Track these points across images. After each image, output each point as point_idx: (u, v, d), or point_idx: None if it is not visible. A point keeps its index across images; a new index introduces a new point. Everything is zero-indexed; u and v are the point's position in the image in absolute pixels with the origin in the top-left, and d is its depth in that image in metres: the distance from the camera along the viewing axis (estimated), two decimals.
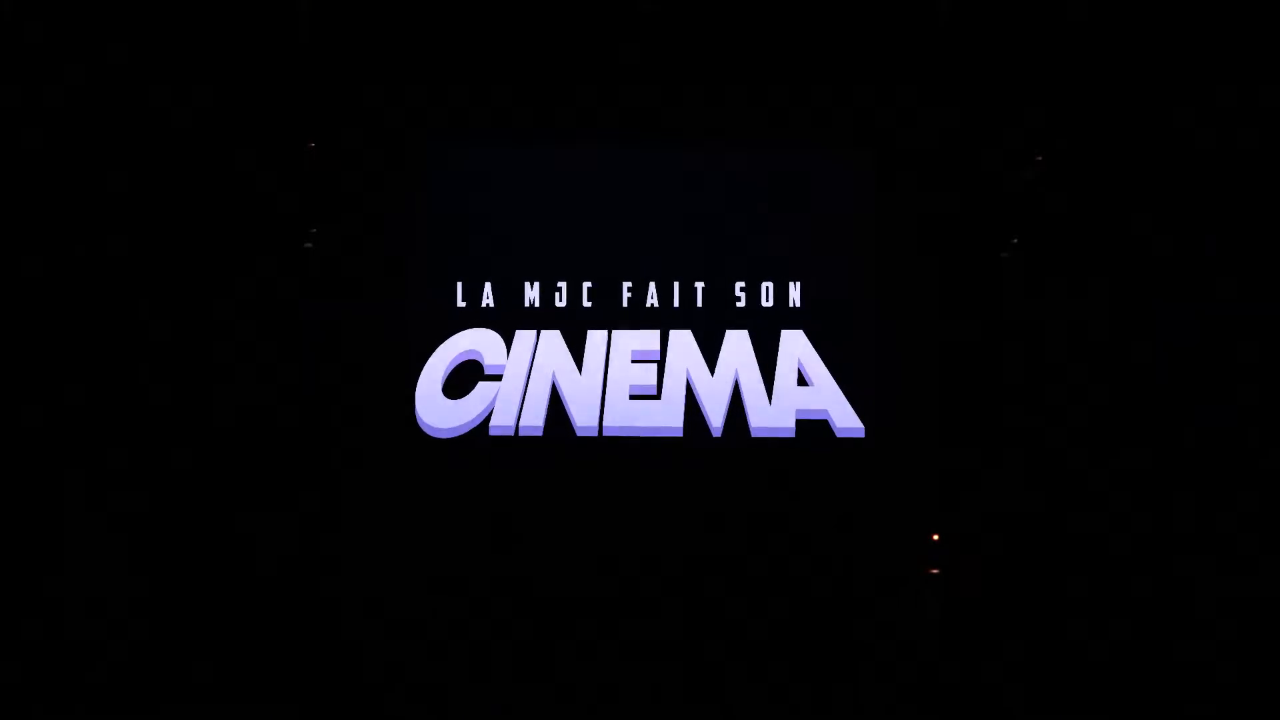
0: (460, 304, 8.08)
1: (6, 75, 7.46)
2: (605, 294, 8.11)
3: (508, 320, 8.07)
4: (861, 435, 7.99)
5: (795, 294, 8.09)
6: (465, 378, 8.05)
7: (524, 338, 8.07)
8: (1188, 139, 7.56)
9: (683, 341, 8.09)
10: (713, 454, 7.99)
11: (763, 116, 7.89)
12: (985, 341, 7.79)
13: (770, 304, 8.10)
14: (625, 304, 8.10)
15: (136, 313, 7.60)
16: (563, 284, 8.09)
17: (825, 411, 8.04)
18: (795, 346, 8.08)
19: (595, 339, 8.06)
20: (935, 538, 7.69)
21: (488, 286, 8.10)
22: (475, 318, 8.09)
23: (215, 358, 7.62)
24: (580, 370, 8.05)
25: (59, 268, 7.53)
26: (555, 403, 8.04)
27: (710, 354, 8.06)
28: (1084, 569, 7.51)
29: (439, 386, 8.03)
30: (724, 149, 7.96)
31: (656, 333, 8.06)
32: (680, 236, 8.09)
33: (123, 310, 7.61)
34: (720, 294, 8.10)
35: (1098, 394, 7.57)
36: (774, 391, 8.03)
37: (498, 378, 8.04)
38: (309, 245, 7.75)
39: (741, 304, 8.10)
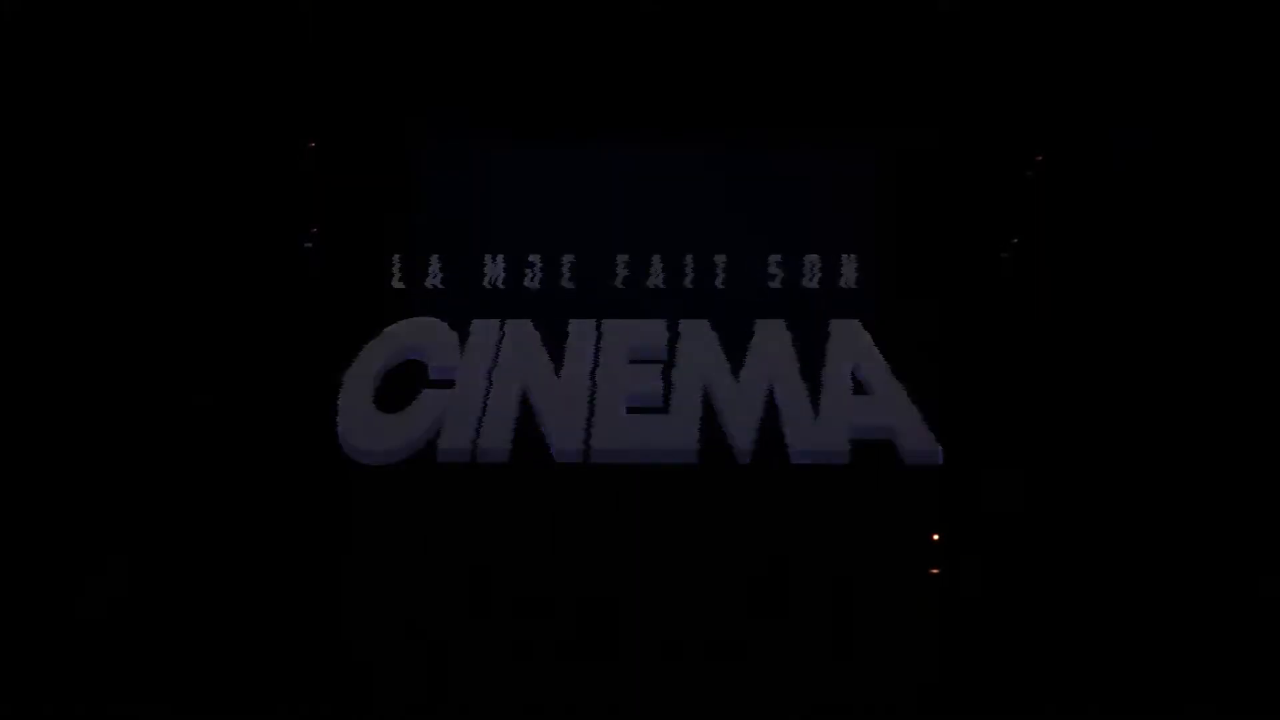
0: (397, 284, 7.67)
1: (6, 74, 7.86)
2: (593, 271, 7.71)
3: (462, 307, 7.67)
4: (939, 461, 7.46)
5: (850, 271, 7.63)
6: (405, 384, 7.59)
7: (484, 330, 7.61)
8: (1188, 138, 7.69)
9: (698, 335, 7.58)
10: (738, 486, 7.49)
11: (777, 109, 7.76)
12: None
13: (815, 285, 7.63)
14: (620, 284, 7.67)
15: (123, 311, 7.73)
16: (535, 258, 7.67)
17: (890, 429, 7.50)
18: (850, 342, 7.57)
19: (580, 331, 7.62)
20: (935, 538, 7.46)
21: (435, 261, 7.67)
22: (418, 303, 7.69)
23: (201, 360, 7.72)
24: (559, 374, 7.58)
25: (49, 266, 7.77)
26: (526, 418, 7.55)
27: (735, 352, 7.56)
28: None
29: (369, 396, 7.56)
30: (731, 141, 7.82)
31: (662, 323, 7.59)
32: (693, 198, 7.76)
33: (113, 310, 7.71)
34: (749, 272, 7.69)
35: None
36: (821, 403, 7.50)
37: (448, 384, 7.57)
38: (309, 245, 7.71)
39: (777, 285, 7.65)
